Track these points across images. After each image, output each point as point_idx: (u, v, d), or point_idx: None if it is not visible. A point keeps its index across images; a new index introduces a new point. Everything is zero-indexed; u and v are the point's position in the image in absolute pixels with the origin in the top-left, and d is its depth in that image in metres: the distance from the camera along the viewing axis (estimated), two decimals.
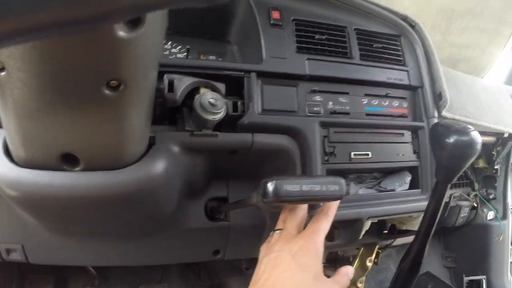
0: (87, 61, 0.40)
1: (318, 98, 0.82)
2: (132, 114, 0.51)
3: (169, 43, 0.85)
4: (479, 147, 0.66)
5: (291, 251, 0.58)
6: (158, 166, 0.61)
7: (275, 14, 0.82)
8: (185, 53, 0.84)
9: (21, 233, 0.82)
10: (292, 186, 0.57)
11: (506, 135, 1.28)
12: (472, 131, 0.66)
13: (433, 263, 1.53)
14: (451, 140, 0.65)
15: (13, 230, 0.82)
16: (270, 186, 0.57)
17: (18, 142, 0.52)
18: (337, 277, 0.63)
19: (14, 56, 0.39)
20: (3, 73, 0.41)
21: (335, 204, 0.67)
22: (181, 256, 0.92)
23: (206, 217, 0.85)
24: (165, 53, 0.84)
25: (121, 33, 0.37)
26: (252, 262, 1.05)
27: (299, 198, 0.58)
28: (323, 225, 0.63)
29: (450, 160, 0.67)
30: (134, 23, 0.38)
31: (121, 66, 0.42)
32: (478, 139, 0.66)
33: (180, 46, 0.85)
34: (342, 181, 0.62)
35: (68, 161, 0.54)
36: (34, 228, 0.80)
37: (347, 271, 0.64)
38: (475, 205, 1.40)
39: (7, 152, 0.57)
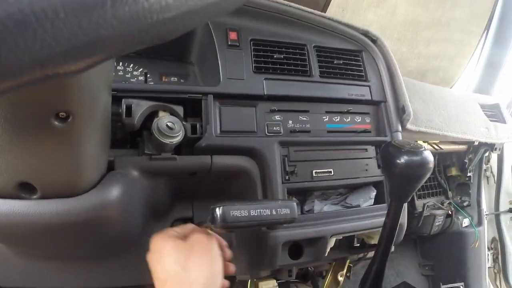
0: (33, 95, 0.40)
1: (277, 117, 0.82)
2: (84, 143, 0.51)
3: (131, 65, 0.84)
4: (431, 166, 0.66)
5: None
6: (113, 192, 0.60)
7: (233, 35, 0.82)
8: (142, 78, 0.84)
9: None
10: (240, 211, 0.58)
11: (476, 143, 1.29)
12: (423, 150, 0.66)
13: (410, 272, 1.53)
14: (402, 160, 0.65)
15: None
16: (218, 212, 0.57)
17: None
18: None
19: None
20: None
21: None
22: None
23: None
24: (126, 75, 0.83)
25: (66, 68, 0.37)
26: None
27: (248, 223, 0.58)
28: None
29: (402, 181, 0.67)
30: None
31: (67, 99, 0.42)
32: (430, 158, 0.66)
33: (141, 69, 0.85)
34: (293, 204, 0.62)
35: (25, 189, 0.54)
36: (2, 252, 0.79)
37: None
38: (450, 213, 1.41)
39: None
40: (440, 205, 1.35)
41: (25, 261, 0.81)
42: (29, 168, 0.51)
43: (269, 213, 0.60)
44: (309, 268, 1.10)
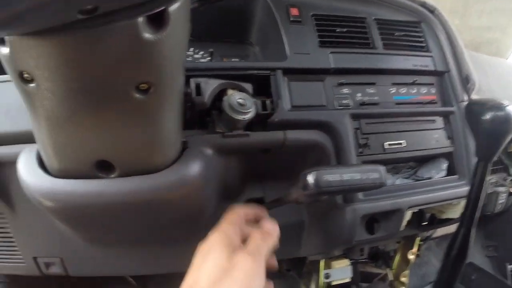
0: (115, 66, 0.40)
1: (346, 90, 0.81)
2: (164, 117, 0.50)
3: (191, 49, 0.85)
4: None
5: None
6: (194, 168, 0.60)
7: (294, 11, 0.82)
8: (208, 57, 0.84)
9: (59, 245, 0.83)
10: (332, 176, 0.56)
11: None
12: (507, 106, 0.64)
13: (475, 254, 1.48)
14: (487, 116, 0.63)
15: (52, 243, 0.83)
16: (311, 178, 0.56)
17: (51, 152, 0.53)
18: (247, 244, 0.56)
19: (41, 66, 0.39)
20: (32, 85, 0.42)
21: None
22: None
23: None
24: (188, 59, 0.84)
25: (147, 35, 0.37)
26: (294, 263, 1.03)
27: (340, 188, 0.56)
28: (230, 217, 0.61)
29: (488, 137, 0.65)
30: (159, 24, 0.38)
31: (149, 69, 0.42)
32: None
33: (202, 52, 0.85)
34: (382, 168, 0.60)
35: (103, 168, 0.54)
36: (72, 240, 0.80)
37: (264, 226, 0.61)
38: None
39: (42, 164, 0.57)
40: (503, 181, 1.30)
41: (95, 249, 0.82)
42: (108, 145, 0.51)
43: (359, 177, 0.58)
44: (379, 247, 1.08)
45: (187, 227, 0.77)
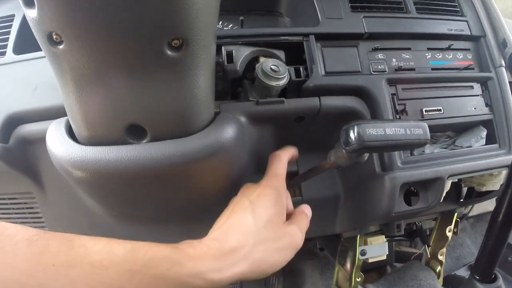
0: (147, 19, 0.38)
1: (380, 56, 0.78)
2: (198, 76, 0.48)
3: (220, 22, 0.83)
4: None
5: (249, 197, 0.60)
6: (228, 131, 0.57)
7: None
8: (239, 25, 0.82)
9: (88, 224, 0.82)
10: (376, 129, 0.53)
11: None
12: None
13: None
14: None
15: (80, 221, 0.82)
16: (353, 131, 0.53)
17: (80, 119, 0.51)
18: (294, 220, 0.63)
19: (72, 25, 0.38)
20: (61, 46, 0.41)
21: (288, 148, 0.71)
22: None
23: None
24: (220, 26, 0.83)
25: None
26: (327, 242, 1.00)
27: (384, 143, 0.53)
28: (279, 168, 0.66)
29: None
30: None
31: (182, 22, 0.40)
32: None
33: (231, 24, 0.84)
34: (425, 124, 0.57)
35: (134, 133, 0.52)
36: (100, 218, 0.80)
37: (304, 209, 0.66)
38: None
39: (71, 134, 0.56)
40: None
41: (122, 227, 0.81)
42: (139, 108, 0.49)
43: (403, 132, 0.54)
44: (417, 224, 1.05)
45: (217, 199, 0.75)
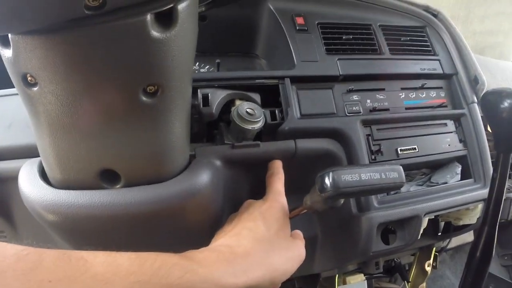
0: (122, 66, 0.39)
1: (355, 97, 0.79)
2: (173, 122, 0.49)
3: (197, 63, 0.84)
4: None
5: (259, 209, 0.60)
6: (203, 177, 0.57)
7: (300, 20, 0.82)
8: (215, 70, 0.83)
9: None
10: (351, 175, 0.54)
11: None
12: None
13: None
14: (505, 104, 0.62)
15: None
16: (328, 178, 0.54)
17: (54, 162, 0.50)
18: (296, 236, 0.64)
19: (46, 67, 0.38)
20: (35, 88, 0.41)
21: (279, 162, 0.71)
22: None
23: None
24: (197, 69, 0.83)
25: (155, 34, 0.37)
26: (306, 282, 0.99)
27: (359, 189, 0.54)
28: (280, 185, 0.67)
29: (508, 126, 0.64)
30: (167, 23, 0.37)
31: (157, 69, 0.41)
32: None
33: (208, 66, 0.85)
34: (400, 168, 0.58)
35: (107, 178, 0.52)
36: None
37: (300, 233, 0.67)
38: None
39: (44, 176, 0.55)
40: None
41: None
42: (113, 153, 0.48)
43: (379, 177, 0.55)
44: (395, 260, 1.05)
45: (194, 242, 0.75)
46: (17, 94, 0.69)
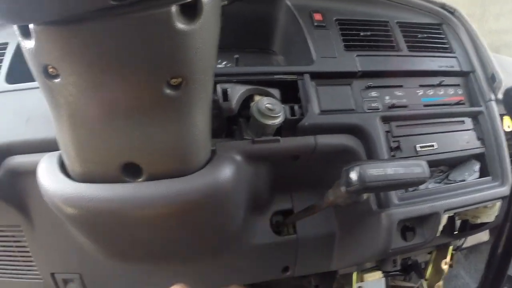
0: (146, 58, 0.38)
1: (374, 93, 0.79)
2: (196, 115, 0.48)
3: None
4: None
5: None
6: (226, 172, 0.57)
7: (318, 16, 0.81)
8: (233, 63, 0.83)
9: (78, 260, 0.80)
10: (376, 170, 0.53)
11: None
12: None
13: None
14: None
15: (71, 257, 0.79)
16: (354, 172, 0.53)
17: (74, 154, 0.50)
18: None
19: (69, 58, 0.38)
20: (57, 80, 0.40)
21: None
22: (249, 276, 0.87)
23: (273, 232, 0.81)
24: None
25: (180, 25, 0.36)
26: (322, 279, 0.99)
27: (385, 183, 0.53)
28: None
29: None
30: (192, 15, 0.37)
31: (182, 61, 0.40)
32: None
33: (226, 61, 0.84)
34: (424, 163, 0.58)
35: (129, 171, 0.51)
36: (92, 255, 0.77)
37: None
38: None
39: (63, 169, 0.55)
40: None
41: (116, 265, 0.79)
42: (136, 146, 0.48)
43: (403, 172, 0.55)
44: (412, 258, 1.04)
45: (214, 238, 0.75)
46: (34, 88, 0.70)
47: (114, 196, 0.51)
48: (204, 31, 0.40)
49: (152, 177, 0.52)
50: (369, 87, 0.79)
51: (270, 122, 0.65)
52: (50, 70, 0.40)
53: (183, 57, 0.40)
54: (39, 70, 0.40)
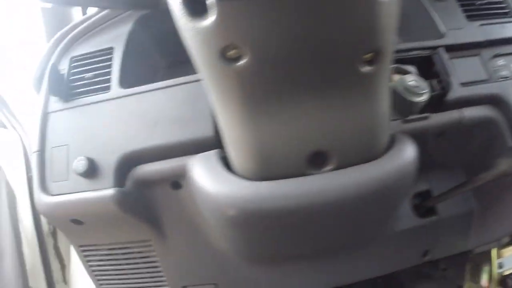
0: (343, 33, 0.35)
1: (502, 62, 0.77)
2: (385, 92, 0.46)
3: None
4: None
5: None
6: (412, 152, 0.54)
7: None
8: None
9: (214, 270, 0.77)
10: None
11: None
12: None
13: None
14: None
15: (205, 268, 0.76)
16: None
17: (250, 150, 0.47)
18: None
19: (256, 35, 0.34)
20: (240, 63, 0.36)
21: None
22: (390, 264, 0.85)
23: (415, 215, 0.78)
24: None
25: None
26: (452, 260, 0.95)
27: None
28: None
29: None
30: None
31: (379, 33, 0.37)
32: None
33: None
34: None
35: (316, 161, 0.47)
36: (230, 264, 0.74)
37: None
38: None
39: (228, 168, 0.52)
40: None
41: (254, 268, 0.76)
42: (328, 131, 0.45)
43: None
44: None
45: (372, 228, 0.72)
46: (154, 90, 0.66)
47: (303, 191, 0.47)
48: (396, 2, 0.37)
49: (342, 165, 0.49)
50: (497, 55, 0.77)
51: (417, 99, 0.62)
52: (231, 52, 0.36)
53: (381, 29, 0.37)
54: (214, 53, 0.36)
